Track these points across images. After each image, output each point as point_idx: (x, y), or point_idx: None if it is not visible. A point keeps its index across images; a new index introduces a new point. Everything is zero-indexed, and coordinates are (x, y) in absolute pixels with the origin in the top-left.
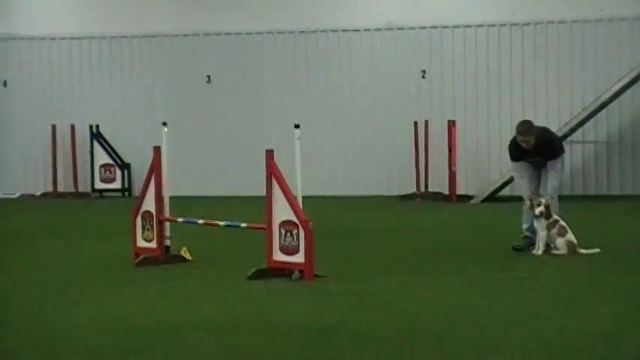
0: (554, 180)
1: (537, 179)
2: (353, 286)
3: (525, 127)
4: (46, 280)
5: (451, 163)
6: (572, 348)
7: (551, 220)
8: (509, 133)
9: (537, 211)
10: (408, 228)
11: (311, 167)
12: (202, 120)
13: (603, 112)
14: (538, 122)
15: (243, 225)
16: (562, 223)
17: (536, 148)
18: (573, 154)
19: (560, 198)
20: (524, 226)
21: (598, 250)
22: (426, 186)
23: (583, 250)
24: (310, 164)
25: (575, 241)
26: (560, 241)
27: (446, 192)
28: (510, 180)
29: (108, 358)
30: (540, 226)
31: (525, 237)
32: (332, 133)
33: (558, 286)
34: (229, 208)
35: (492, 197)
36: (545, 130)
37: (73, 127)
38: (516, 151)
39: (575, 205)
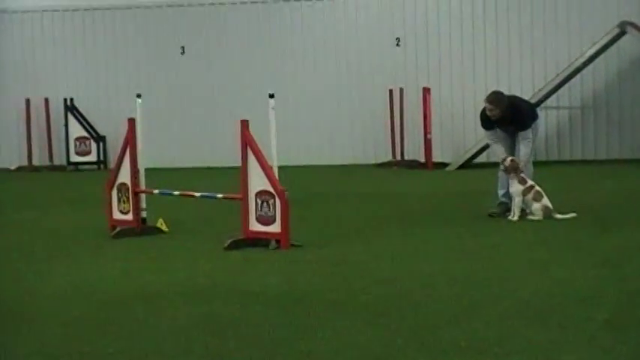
0: (525, 147)
1: (512, 146)
2: (329, 254)
3: (493, 97)
4: (21, 252)
5: (426, 131)
6: (548, 310)
7: (527, 185)
8: (483, 101)
9: (502, 165)
10: (385, 196)
11: (286, 137)
12: (177, 91)
13: (577, 77)
14: (513, 88)
15: (220, 196)
16: (537, 188)
17: (504, 118)
18: (548, 119)
19: (536, 163)
20: (500, 192)
21: (574, 214)
22: (402, 154)
23: (559, 215)
24: (285, 134)
25: (550, 206)
26: (536, 207)
27: (422, 159)
28: (486, 147)
29: (83, 328)
30: (516, 191)
31: (501, 203)
32: (307, 103)
33: (534, 251)
34: (205, 180)
35: (468, 164)
36: (515, 100)
37: (47, 100)
38: (487, 121)
39: (551, 170)
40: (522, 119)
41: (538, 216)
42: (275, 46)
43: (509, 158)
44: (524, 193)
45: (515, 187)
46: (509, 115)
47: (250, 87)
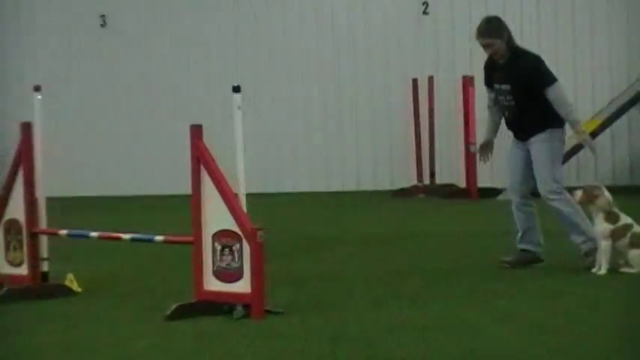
0: (544, 169)
1: (523, 169)
2: (323, 325)
3: (486, 25)
4: None
5: (469, 141)
6: None
7: (620, 224)
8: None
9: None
10: (404, 239)
11: (258, 151)
12: (96, 81)
13: None
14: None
15: (159, 238)
16: (637, 228)
17: (510, 66)
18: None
19: (612, 189)
20: (520, 234)
21: None
22: (432, 175)
23: None
24: (257, 147)
25: None
26: (635, 254)
27: (461, 184)
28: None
29: None
30: (602, 232)
31: (523, 250)
32: (288, 101)
33: (629, 322)
34: (140, 214)
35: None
36: (534, 56)
37: None
38: (486, 71)
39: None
40: (538, 76)
41: (637, 267)
42: (242, 21)
43: (581, 190)
44: (616, 235)
45: (602, 227)
46: (517, 62)
47: (206, 78)
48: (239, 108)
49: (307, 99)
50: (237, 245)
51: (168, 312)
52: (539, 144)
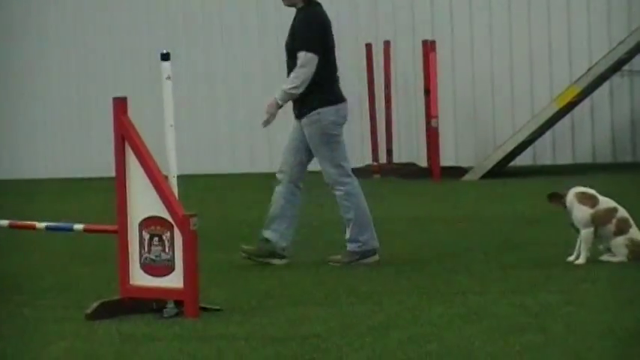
0: (321, 157)
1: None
2: (268, 324)
3: None
4: None
5: (430, 114)
6: None
7: (601, 208)
8: (524, 62)
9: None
10: None
11: (189, 127)
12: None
13: None
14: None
15: (78, 227)
16: (622, 212)
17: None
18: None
19: (592, 168)
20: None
21: None
22: (389, 153)
23: None
24: (188, 122)
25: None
26: (618, 242)
27: (422, 163)
28: (527, 140)
29: None
30: (582, 219)
31: (264, 240)
32: (224, 70)
33: (615, 316)
34: (57, 200)
35: (500, 170)
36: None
37: None
38: None
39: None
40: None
41: (621, 256)
42: None
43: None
44: (600, 219)
45: (580, 212)
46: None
47: (127, 42)
48: (169, 78)
49: (246, 67)
50: (168, 234)
51: (90, 310)
52: (306, 128)
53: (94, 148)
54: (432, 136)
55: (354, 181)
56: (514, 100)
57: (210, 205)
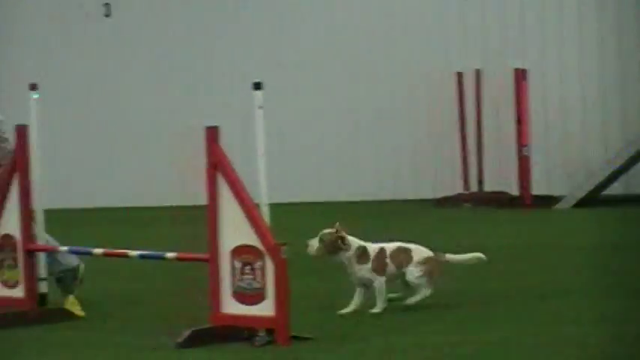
0: None
1: None
2: (355, 353)
3: None
4: None
5: (521, 142)
6: None
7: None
8: (615, 89)
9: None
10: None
11: (281, 156)
12: (99, 78)
13: None
14: None
15: (171, 256)
16: (394, 244)
17: None
18: None
19: None
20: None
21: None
22: (480, 182)
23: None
24: (279, 151)
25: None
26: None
27: (513, 191)
28: (621, 169)
29: None
30: (365, 274)
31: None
32: (315, 99)
33: None
34: (148, 228)
35: (593, 198)
36: None
37: None
38: None
39: None
40: None
41: (422, 290)
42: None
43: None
44: (379, 268)
45: (360, 270)
46: None
47: (222, 72)
48: (260, 107)
49: (336, 97)
50: (259, 263)
51: (181, 339)
52: None
53: (181, 176)
54: (524, 165)
55: None
56: (605, 128)
57: (300, 233)
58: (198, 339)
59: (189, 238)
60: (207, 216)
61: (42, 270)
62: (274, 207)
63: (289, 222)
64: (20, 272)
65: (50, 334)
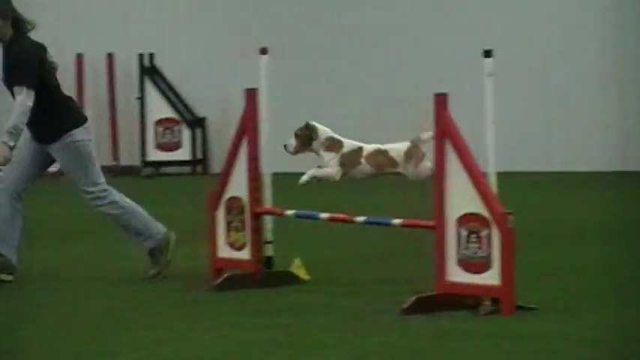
0: (76, 178)
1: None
2: (579, 325)
3: None
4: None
5: None
6: None
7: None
8: None
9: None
10: None
11: (505, 124)
12: (324, 47)
13: None
14: None
15: (396, 221)
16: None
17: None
18: None
19: None
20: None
21: None
22: None
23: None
24: (505, 118)
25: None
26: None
27: None
28: None
29: None
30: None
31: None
32: (543, 65)
33: None
34: (371, 193)
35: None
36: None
37: (110, 57)
38: None
39: None
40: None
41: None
42: None
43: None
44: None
45: (325, 156)
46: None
47: (451, 40)
48: (490, 75)
49: (563, 66)
50: (486, 231)
51: (406, 305)
52: (58, 152)
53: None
54: None
55: (113, 190)
56: None
57: (528, 203)
58: (423, 305)
59: (403, 205)
60: (433, 184)
61: (268, 233)
62: (501, 176)
63: (514, 192)
64: (247, 235)
65: (275, 297)
